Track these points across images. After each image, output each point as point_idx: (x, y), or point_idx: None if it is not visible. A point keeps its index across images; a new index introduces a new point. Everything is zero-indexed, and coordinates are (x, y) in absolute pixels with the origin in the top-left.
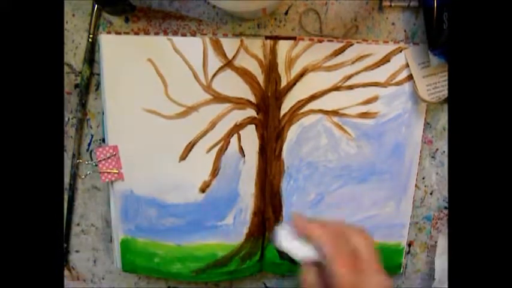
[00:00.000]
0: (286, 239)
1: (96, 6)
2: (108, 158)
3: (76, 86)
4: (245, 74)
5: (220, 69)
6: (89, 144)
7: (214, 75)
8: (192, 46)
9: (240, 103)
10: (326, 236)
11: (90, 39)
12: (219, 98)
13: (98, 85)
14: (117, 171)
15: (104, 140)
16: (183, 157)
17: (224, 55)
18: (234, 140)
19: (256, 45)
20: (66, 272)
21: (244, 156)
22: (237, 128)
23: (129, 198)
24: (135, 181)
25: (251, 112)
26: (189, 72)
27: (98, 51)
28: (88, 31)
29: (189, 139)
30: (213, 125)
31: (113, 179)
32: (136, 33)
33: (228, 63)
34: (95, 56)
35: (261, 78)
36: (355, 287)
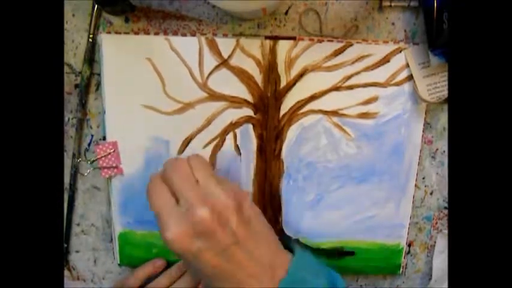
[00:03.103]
0: None
1: (96, 6)
2: (108, 154)
3: (76, 86)
4: (242, 74)
5: (216, 68)
6: (89, 144)
7: (210, 74)
8: (188, 45)
9: (236, 102)
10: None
11: (90, 39)
12: (214, 96)
13: (98, 85)
14: (116, 167)
15: (104, 139)
16: (180, 152)
17: (220, 54)
18: (229, 138)
19: (254, 45)
20: (66, 272)
21: (240, 154)
22: (233, 126)
23: (128, 192)
24: (134, 175)
25: (248, 111)
26: (186, 70)
27: (98, 51)
28: (88, 31)
29: (186, 134)
30: (208, 122)
31: (113, 174)
32: (136, 33)
33: (224, 63)
34: (95, 56)
35: (259, 78)
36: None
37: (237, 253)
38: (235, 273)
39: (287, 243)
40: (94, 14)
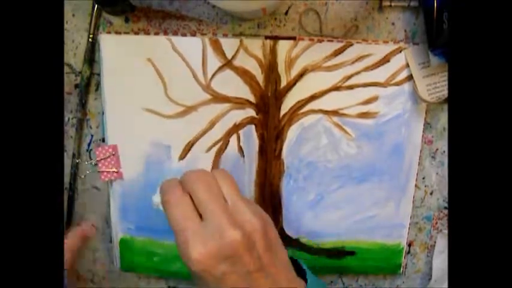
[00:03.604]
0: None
1: (96, 6)
2: (108, 157)
3: (76, 86)
4: (244, 74)
5: (220, 69)
6: (89, 144)
7: (214, 75)
8: (191, 46)
9: (239, 103)
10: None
11: (90, 39)
12: (218, 98)
13: (98, 85)
14: (116, 171)
15: (103, 140)
16: (182, 157)
17: (223, 55)
18: (233, 140)
19: (256, 45)
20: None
21: (243, 156)
22: (236, 128)
23: (128, 197)
24: (135, 180)
25: (250, 112)
26: (189, 72)
27: (98, 51)
28: (88, 31)
29: (188, 139)
30: (212, 125)
31: (113, 177)
32: (136, 33)
33: (228, 63)
34: (95, 56)
35: (260, 78)
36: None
37: (261, 279)
38: None
39: (297, 266)
40: (94, 14)
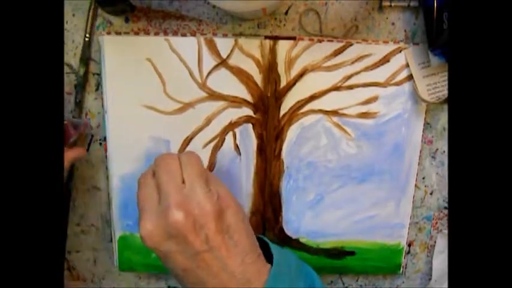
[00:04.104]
0: None
1: (93, 5)
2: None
3: (76, 86)
4: (240, 74)
5: (214, 68)
6: (89, 144)
7: (209, 73)
8: (188, 46)
9: (235, 102)
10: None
11: (86, 39)
12: (214, 96)
13: (98, 85)
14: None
15: (104, 139)
16: (181, 151)
17: (218, 54)
18: (229, 137)
19: (253, 45)
20: (66, 272)
21: (240, 154)
22: (232, 126)
23: (128, 192)
24: (135, 175)
25: (247, 111)
26: (186, 70)
27: (97, 51)
28: (85, 30)
29: (186, 134)
30: (208, 122)
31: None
32: (136, 33)
33: (222, 62)
34: (91, 55)
35: (258, 78)
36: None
37: (208, 260)
38: (206, 280)
39: (266, 246)
40: (91, 13)
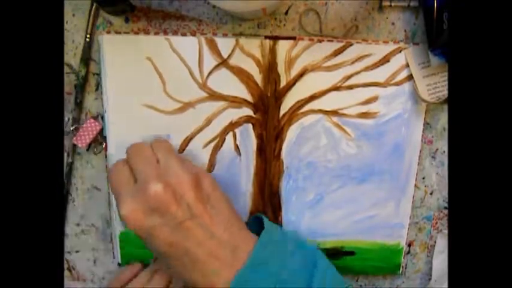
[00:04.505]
0: None
1: (94, 5)
2: (92, 130)
3: (76, 86)
4: (241, 73)
5: (215, 68)
6: (89, 144)
7: (209, 73)
8: (188, 45)
9: (235, 102)
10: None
11: (87, 39)
12: (214, 96)
13: (98, 85)
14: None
15: (105, 139)
16: (181, 151)
17: (219, 54)
18: (229, 137)
19: (253, 45)
20: (66, 272)
21: (240, 154)
22: (232, 126)
23: None
24: None
25: (247, 111)
26: (186, 70)
27: (98, 51)
28: (86, 30)
29: (186, 134)
30: (208, 122)
31: (81, 145)
32: (136, 33)
33: (223, 62)
34: (91, 55)
35: (258, 77)
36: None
37: (193, 228)
38: (193, 250)
39: (256, 222)
40: (92, 13)
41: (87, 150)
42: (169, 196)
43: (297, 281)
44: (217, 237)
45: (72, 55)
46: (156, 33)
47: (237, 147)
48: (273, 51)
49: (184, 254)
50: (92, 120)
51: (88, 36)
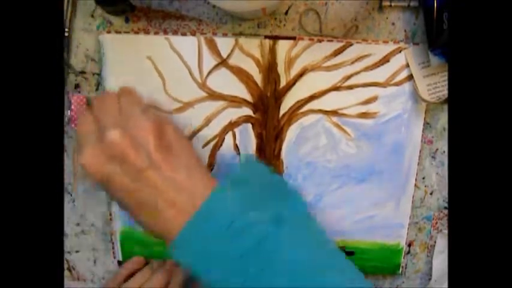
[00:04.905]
0: None
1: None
2: (80, 107)
3: (76, 86)
4: (240, 73)
5: (215, 67)
6: None
7: (209, 73)
8: (188, 45)
9: (234, 101)
10: None
11: (66, 33)
12: (213, 96)
13: (98, 85)
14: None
15: None
16: None
17: (219, 54)
18: (229, 137)
19: (253, 45)
20: (66, 272)
21: (239, 154)
22: (232, 125)
23: None
24: None
25: (247, 111)
26: (186, 70)
27: (97, 51)
28: (64, 24)
29: (185, 134)
30: (208, 121)
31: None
32: (136, 33)
33: (223, 62)
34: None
35: (258, 77)
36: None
37: (152, 177)
38: (152, 199)
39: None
40: (69, 8)
41: None
42: (127, 143)
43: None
44: (177, 186)
45: (72, 55)
46: (156, 33)
47: (236, 147)
48: (272, 51)
49: (144, 203)
50: (75, 96)
51: (67, 30)
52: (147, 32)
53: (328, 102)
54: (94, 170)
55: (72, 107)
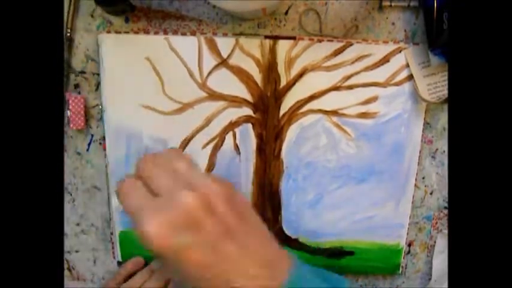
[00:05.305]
0: None
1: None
2: (78, 108)
3: (76, 86)
4: (240, 73)
5: (215, 67)
6: (89, 144)
7: (209, 73)
8: (188, 45)
9: (235, 101)
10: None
11: (68, 33)
12: (214, 96)
13: (98, 85)
14: (82, 122)
15: (103, 139)
16: None
17: (219, 54)
18: (229, 137)
19: (253, 45)
20: (66, 272)
21: (239, 154)
22: (232, 125)
23: None
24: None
25: (247, 111)
26: (185, 70)
27: (97, 51)
28: (65, 24)
29: (185, 135)
30: (208, 122)
31: (79, 127)
32: (136, 33)
33: (223, 62)
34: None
35: (258, 77)
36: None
37: (227, 246)
38: (229, 271)
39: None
40: (70, 8)
41: (87, 150)
42: (201, 208)
43: None
44: (252, 256)
45: (72, 55)
46: (156, 33)
47: (236, 147)
48: (272, 51)
49: (219, 276)
50: (73, 96)
51: (67, 30)
52: (147, 32)
53: (328, 102)
54: (163, 240)
55: (71, 107)
